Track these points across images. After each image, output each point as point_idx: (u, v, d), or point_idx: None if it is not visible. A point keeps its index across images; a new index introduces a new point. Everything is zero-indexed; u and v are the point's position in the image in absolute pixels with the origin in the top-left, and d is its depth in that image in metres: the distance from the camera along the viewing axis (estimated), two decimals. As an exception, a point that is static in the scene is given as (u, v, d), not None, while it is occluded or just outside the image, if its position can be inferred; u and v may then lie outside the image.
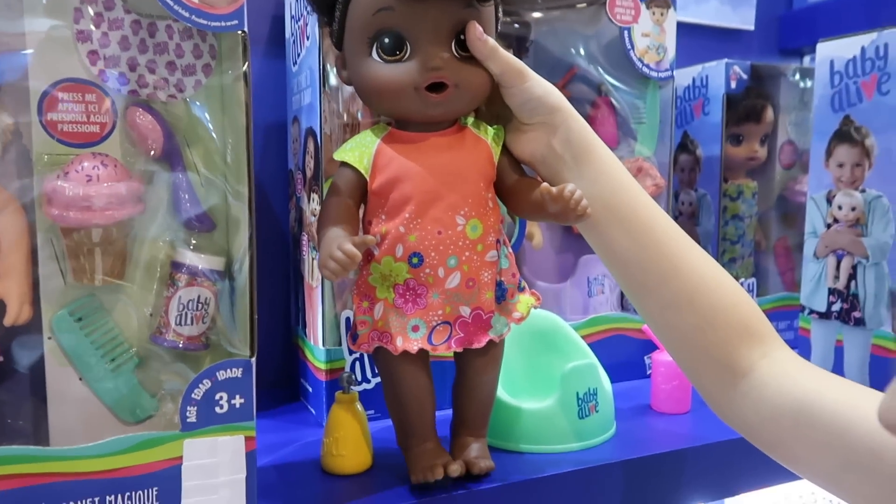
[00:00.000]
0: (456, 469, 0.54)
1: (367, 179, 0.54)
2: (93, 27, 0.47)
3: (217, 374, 0.47)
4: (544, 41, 0.85)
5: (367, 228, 0.55)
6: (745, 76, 1.01)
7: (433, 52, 0.51)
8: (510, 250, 0.59)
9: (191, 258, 0.50)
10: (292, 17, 0.77)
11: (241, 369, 0.48)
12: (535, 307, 0.60)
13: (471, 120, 0.57)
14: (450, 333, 0.55)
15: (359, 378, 0.71)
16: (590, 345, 0.72)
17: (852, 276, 0.82)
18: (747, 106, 1.02)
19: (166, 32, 0.49)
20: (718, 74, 1.00)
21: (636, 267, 0.54)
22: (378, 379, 0.70)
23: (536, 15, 0.84)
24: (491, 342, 0.56)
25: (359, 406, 0.60)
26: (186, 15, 0.46)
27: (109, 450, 0.45)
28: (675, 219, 0.79)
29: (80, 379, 0.48)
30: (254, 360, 0.49)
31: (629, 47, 0.84)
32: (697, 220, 1.04)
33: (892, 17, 0.87)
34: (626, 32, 0.84)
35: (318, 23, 0.67)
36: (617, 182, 0.55)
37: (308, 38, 0.70)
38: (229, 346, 0.50)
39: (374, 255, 0.54)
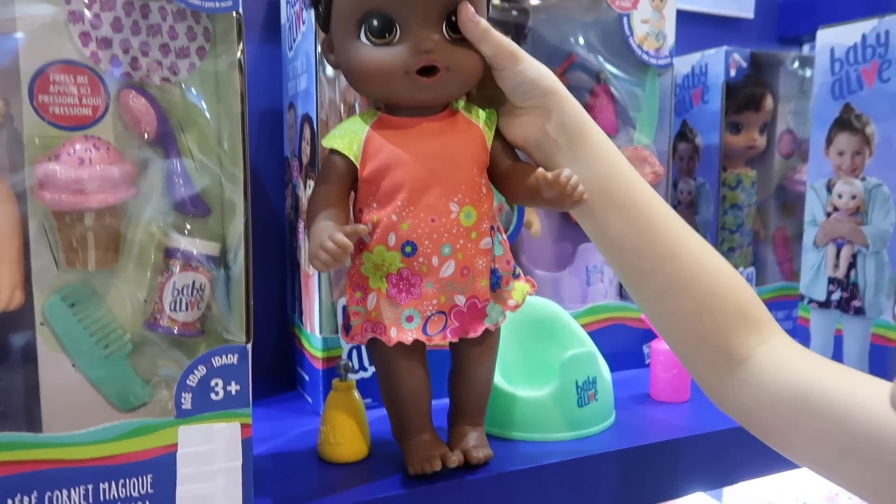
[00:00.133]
0: (454, 459, 0.54)
1: (358, 167, 0.53)
2: (85, 8, 0.46)
3: (212, 360, 0.47)
4: (542, 29, 0.84)
5: (358, 217, 0.55)
6: (744, 64, 1.00)
7: (424, 35, 0.50)
8: (504, 237, 0.58)
9: (185, 243, 0.49)
10: (288, 2, 0.76)
11: (236, 355, 0.47)
12: (531, 294, 0.60)
13: (462, 104, 0.56)
14: (445, 323, 0.54)
15: (356, 366, 0.71)
16: (588, 334, 0.72)
17: (852, 264, 0.82)
18: (747, 94, 1.01)
19: (160, 14, 0.48)
20: (718, 62, 0.99)
21: (632, 252, 0.54)
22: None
23: (534, 2, 0.83)
24: (487, 331, 0.56)
25: (356, 394, 0.60)
26: (180, -5, 0.45)
27: (103, 436, 0.45)
28: (674, 208, 0.78)
29: (74, 365, 0.47)
30: (250, 346, 0.48)
31: (628, 34, 0.84)
32: (696, 209, 1.03)
33: (892, 3, 0.86)
34: (625, 19, 0.83)
35: (304, 4, 0.66)
36: (612, 166, 0.54)
37: (304, 23, 0.69)
38: (225, 333, 0.49)
39: (366, 244, 0.54)
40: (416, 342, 0.54)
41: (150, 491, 0.46)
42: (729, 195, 1.04)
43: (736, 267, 0.77)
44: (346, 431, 0.58)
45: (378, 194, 0.53)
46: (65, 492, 0.44)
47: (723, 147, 1.00)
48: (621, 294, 0.89)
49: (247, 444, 0.48)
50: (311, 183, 0.69)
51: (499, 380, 0.64)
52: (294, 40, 0.74)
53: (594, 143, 0.54)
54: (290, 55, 0.76)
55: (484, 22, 0.52)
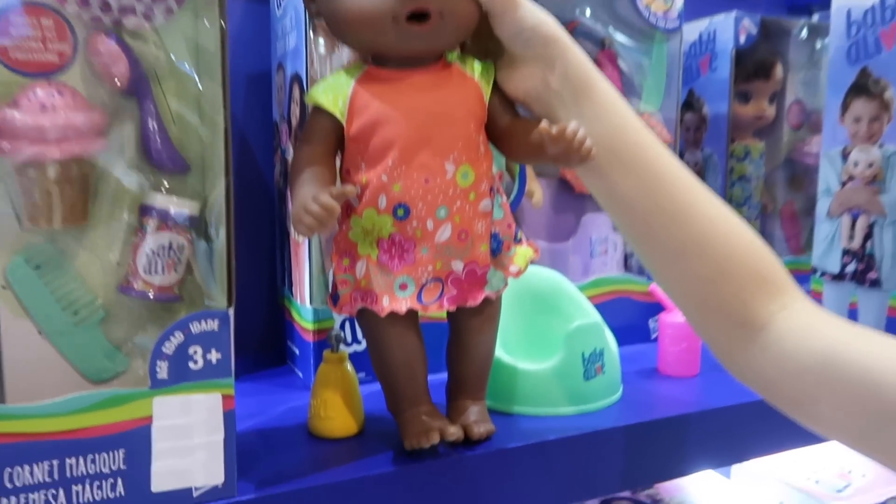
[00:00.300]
0: (454, 432, 0.51)
1: (344, 124, 0.49)
2: (49, -58, 0.42)
3: (190, 326, 0.43)
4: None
5: (345, 179, 0.51)
6: (754, 30, 0.96)
7: None
8: (505, 199, 0.55)
9: (161, 201, 0.45)
10: (276, -45, 0.72)
11: (217, 321, 0.44)
12: (534, 260, 0.56)
13: (456, 55, 0.52)
14: (441, 291, 0.50)
15: (348, 339, 0.67)
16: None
17: (868, 235, 0.78)
18: (757, 62, 0.97)
19: (132, -50, 0.44)
20: (727, 28, 0.95)
21: (641, 213, 0.50)
22: (369, 340, 0.66)
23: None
24: (487, 299, 0.52)
25: (348, 366, 0.56)
26: (152, -75, 0.41)
27: (71, 408, 0.41)
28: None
29: (40, 332, 0.43)
30: (231, 311, 0.45)
31: (635, -6, 0.80)
32: (703, 181, 1.00)
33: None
34: (632, -23, 0.79)
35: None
36: (620, 120, 0.50)
37: (293, -25, 0.65)
38: (207, 299, 0.46)
39: (354, 207, 0.50)
40: (410, 311, 0.50)
41: (122, 467, 0.42)
42: (737, 167, 1.00)
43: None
44: (337, 405, 0.54)
45: (367, 154, 0.49)
46: (27, 467, 0.40)
47: (731, 117, 0.96)
48: (626, 266, 0.85)
49: (229, 417, 0.45)
50: (300, 146, 0.65)
51: (500, 353, 0.60)
52: (282, -5, 0.69)
53: (601, 95, 0.50)
54: (278, 13, 0.72)
55: None
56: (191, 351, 0.43)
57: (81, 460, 0.41)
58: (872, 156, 0.78)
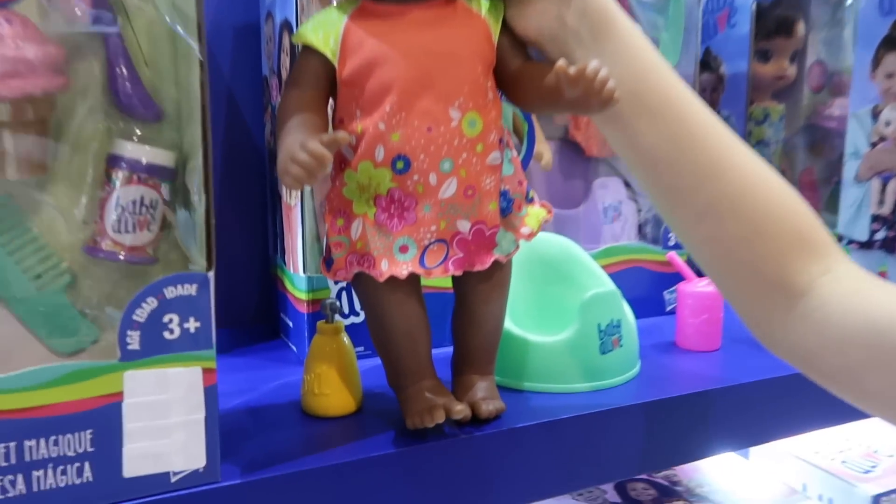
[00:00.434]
0: (461, 410, 0.46)
1: (336, 66, 0.44)
2: None
3: (164, 291, 0.38)
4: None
5: (338, 128, 0.46)
6: (777, -18, 0.90)
7: None
8: (515, 154, 0.50)
9: (132, 150, 0.40)
10: None
11: (195, 286, 0.39)
12: (547, 221, 0.51)
13: None
14: (446, 254, 0.46)
15: (346, 310, 0.62)
16: (606, 275, 0.64)
17: (900, 200, 0.73)
18: (778, 17, 0.92)
19: None
20: (747, -19, 0.89)
21: (667, 166, 0.45)
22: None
23: None
24: (496, 263, 0.47)
25: (345, 338, 0.51)
26: None
27: (29, 382, 0.36)
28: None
29: (-4, 298, 0.39)
30: (211, 274, 0.40)
31: (653, -62, 0.74)
32: (719, 145, 0.94)
33: None
34: (650, -80, 0.73)
35: None
36: (645, 62, 0.45)
37: (282, -89, 0.59)
38: (185, 261, 0.41)
39: (348, 160, 0.45)
40: (411, 276, 0.45)
41: (89, 449, 0.37)
42: (755, 130, 0.95)
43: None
44: (332, 380, 0.50)
45: (362, 99, 0.44)
46: (-22, 450, 0.36)
47: (750, 77, 0.91)
48: (641, 234, 0.80)
49: (210, 393, 0.40)
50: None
51: (509, 325, 0.55)
52: (271, -64, 0.64)
53: (622, 34, 0.45)
54: (267, -43, 0.66)
55: None
56: (165, 319, 0.38)
57: (43, 442, 0.37)
58: (906, 115, 0.72)
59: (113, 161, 0.40)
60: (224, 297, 0.76)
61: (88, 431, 0.37)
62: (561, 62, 0.42)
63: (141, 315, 0.38)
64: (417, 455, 0.46)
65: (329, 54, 0.44)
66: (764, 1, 0.89)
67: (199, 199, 0.40)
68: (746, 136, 0.93)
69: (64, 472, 0.37)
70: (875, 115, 0.75)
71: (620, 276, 0.76)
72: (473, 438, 0.48)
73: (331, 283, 0.62)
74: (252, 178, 0.73)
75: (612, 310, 0.57)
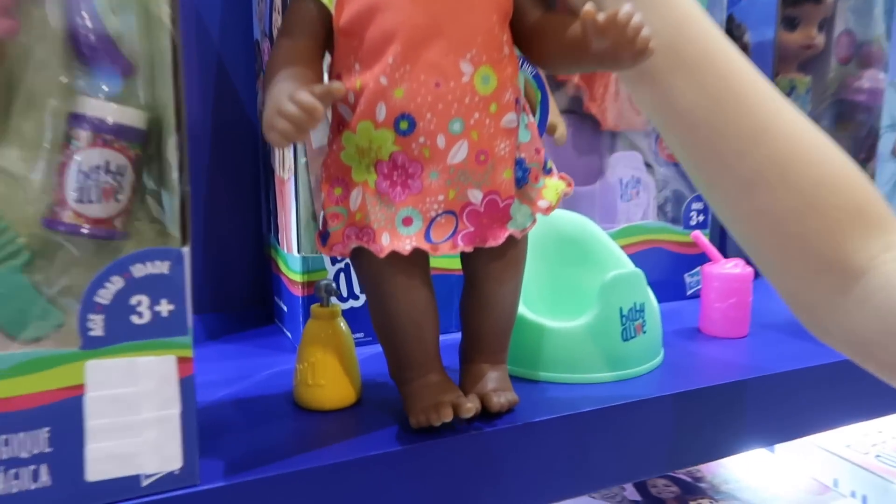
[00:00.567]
0: (470, 408, 0.41)
1: (332, 12, 0.39)
2: None
3: (131, 269, 0.33)
4: None
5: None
6: (805, -56, 0.84)
7: None
8: (532, 119, 0.45)
9: (95, 108, 0.35)
10: None
11: (167, 263, 0.34)
12: (567, 195, 0.46)
13: None
14: (455, 227, 0.41)
15: (344, 293, 0.58)
16: (624, 257, 0.59)
17: (942, 175, 0.68)
18: (806, -19, 0.86)
19: None
20: (774, -57, 0.83)
21: (708, 130, 0.40)
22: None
23: None
24: (510, 239, 0.42)
25: (342, 323, 0.46)
26: None
27: (-25, 374, 0.32)
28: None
29: (-59, 278, 0.34)
30: (186, 250, 0.35)
31: None
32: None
33: None
34: None
35: None
36: (683, 11, 0.40)
37: None
38: (157, 236, 0.36)
39: (346, 121, 0.40)
40: (417, 252, 0.40)
41: (46, 450, 0.33)
42: (780, 104, 0.89)
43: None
44: (328, 370, 0.45)
45: (361, 50, 0.39)
46: (-86, 452, 0.31)
47: (776, 46, 0.85)
48: (661, 212, 0.75)
49: (187, 385, 0.35)
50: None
51: (522, 309, 0.50)
52: None
53: None
54: None
55: None
56: (133, 301, 0.33)
57: (-10, 442, 0.32)
58: (950, 83, 0.67)
59: (74, 121, 0.35)
60: (215, 280, 0.72)
61: (45, 430, 0.33)
62: (589, 6, 0.36)
63: (104, 296, 0.33)
64: (422, 453, 0.42)
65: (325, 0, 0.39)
66: (791, -36, 0.84)
67: (172, 164, 0.35)
68: (771, 109, 0.88)
69: (17, 476, 0.32)
70: (915, 83, 0.69)
71: (639, 258, 0.71)
72: (484, 434, 0.43)
73: (328, 263, 0.57)
74: (244, 150, 0.68)
75: (635, 292, 0.52)
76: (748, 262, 0.64)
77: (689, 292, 0.76)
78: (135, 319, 0.34)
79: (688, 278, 0.76)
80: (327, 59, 0.42)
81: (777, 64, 0.87)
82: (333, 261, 0.57)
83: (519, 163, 0.43)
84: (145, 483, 0.35)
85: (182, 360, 0.35)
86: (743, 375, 0.53)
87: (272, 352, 0.58)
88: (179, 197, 0.35)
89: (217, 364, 0.55)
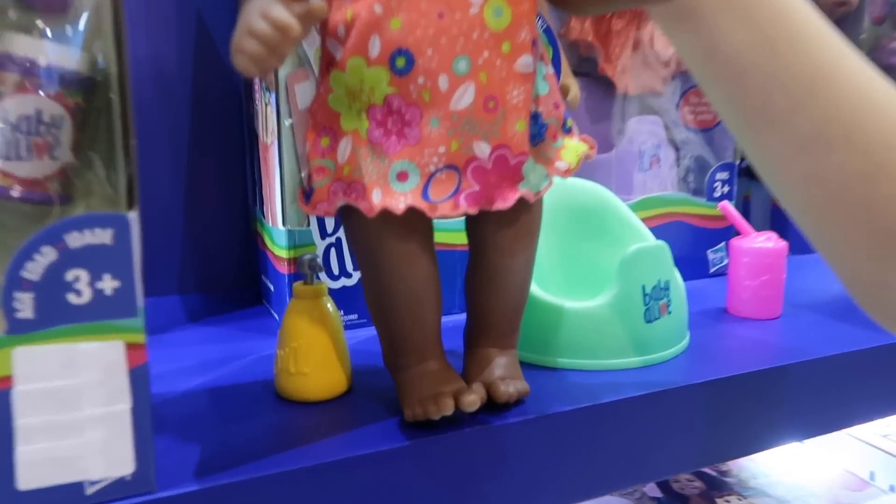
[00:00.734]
0: (474, 399, 0.36)
1: None
2: None
3: (66, 238, 0.28)
4: None
5: (323, 20, 0.35)
6: None
7: None
8: (550, 70, 0.39)
9: (24, 47, 0.29)
10: None
11: (110, 231, 0.28)
12: (588, 158, 0.40)
13: None
14: (457, 185, 0.35)
15: (335, 270, 0.52)
16: (647, 228, 0.53)
17: None
18: (841, -68, 0.79)
19: None
20: None
21: (759, 78, 0.34)
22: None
23: None
24: (522, 202, 0.37)
25: (328, 303, 0.41)
26: None
27: None
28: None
29: None
30: (133, 215, 0.29)
31: None
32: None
33: None
34: None
35: None
36: None
37: None
38: (99, 200, 0.30)
39: (335, 58, 0.34)
40: (416, 214, 0.34)
41: (-34, 454, 0.28)
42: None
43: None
44: (312, 356, 0.40)
45: None
46: None
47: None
48: (683, 183, 0.69)
49: (139, 376, 0.30)
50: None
51: (534, 287, 0.45)
52: None
53: None
54: None
55: None
56: (69, 276, 0.28)
57: None
58: None
59: (-1, 62, 0.29)
60: (199, 257, 0.67)
61: (-35, 430, 0.27)
62: None
63: (33, 271, 0.28)
64: (420, 451, 0.36)
65: None
66: (825, -87, 0.77)
67: (115, 113, 0.29)
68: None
69: (-69, 486, 0.27)
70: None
71: (658, 232, 0.65)
72: (490, 429, 0.38)
73: (317, 237, 0.51)
74: (228, 114, 0.62)
75: (659, 268, 0.47)
76: (782, 236, 0.58)
77: (712, 270, 0.70)
78: (72, 298, 0.28)
79: (711, 254, 0.70)
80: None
81: (807, 23, 0.81)
82: (323, 234, 0.51)
83: (535, 117, 0.37)
84: (90, 491, 0.29)
85: (132, 347, 0.29)
86: (779, 361, 0.48)
87: (257, 335, 0.53)
88: (123, 152, 0.29)
89: (195, 349, 0.50)
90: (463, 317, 0.42)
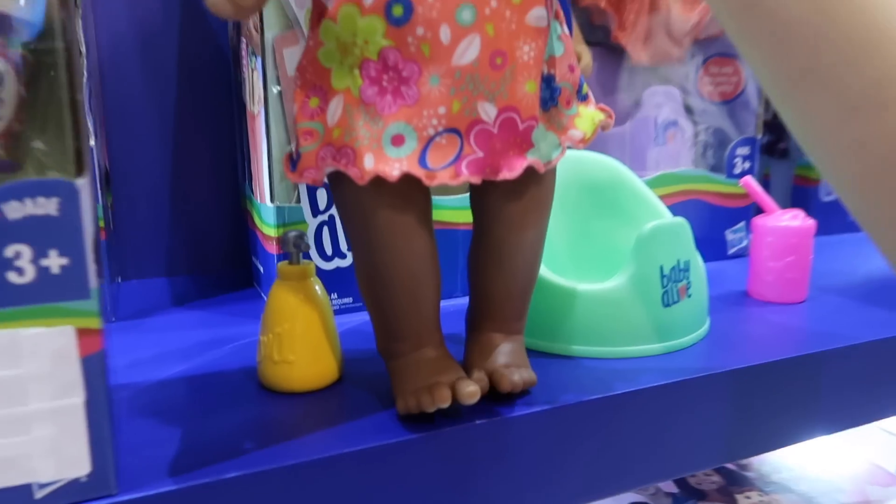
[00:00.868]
0: (473, 391, 0.32)
1: None
2: None
3: (3, 208, 0.24)
4: None
5: None
6: None
7: None
8: (565, 30, 0.35)
9: (-41, -10, 0.26)
10: None
11: (55, 200, 0.25)
12: (605, 128, 0.36)
13: None
14: (459, 150, 0.31)
15: (328, 251, 0.49)
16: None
17: None
18: None
19: None
20: None
21: (807, 33, 0.30)
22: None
23: None
24: (532, 172, 0.33)
25: (316, 285, 0.37)
26: None
27: None
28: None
29: None
30: (83, 182, 0.25)
31: None
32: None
33: None
34: None
35: None
36: None
37: None
38: (46, 168, 0.27)
39: (325, 6, 0.30)
40: (412, 183, 0.31)
41: None
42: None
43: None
44: (297, 343, 0.36)
45: None
46: None
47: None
48: (701, 158, 0.65)
49: (93, 365, 0.26)
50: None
51: (542, 268, 0.41)
52: None
53: None
54: None
55: None
56: (9, 252, 0.24)
57: None
58: None
59: (-71, 6, 0.26)
60: (189, 238, 0.63)
61: None
62: None
63: (-34, 246, 0.24)
64: (417, 447, 0.33)
65: None
66: None
67: (60, 64, 0.25)
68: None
69: None
70: None
71: (673, 211, 0.61)
72: (493, 423, 0.34)
73: (308, 215, 0.48)
74: (217, 85, 0.59)
75: (678, 247, 0.43)
76: (809, 214, 0.54)
77: (731, 251, 0.66)
78: (12, 278, 0.25)
79: (730, 235, 0.66)
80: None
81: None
82: (315, 211, 0.48)
83: (547, 80, 0.33)
84: (40, 494, 0.26)
85: (84, 333, 0.26)
86: (809, 348, 0.44)
87: (245, 319, 0.50)
88: (70, 111, 0.25)
89: (177, 334, 0.47)
90: (465, 301, 0.38)
